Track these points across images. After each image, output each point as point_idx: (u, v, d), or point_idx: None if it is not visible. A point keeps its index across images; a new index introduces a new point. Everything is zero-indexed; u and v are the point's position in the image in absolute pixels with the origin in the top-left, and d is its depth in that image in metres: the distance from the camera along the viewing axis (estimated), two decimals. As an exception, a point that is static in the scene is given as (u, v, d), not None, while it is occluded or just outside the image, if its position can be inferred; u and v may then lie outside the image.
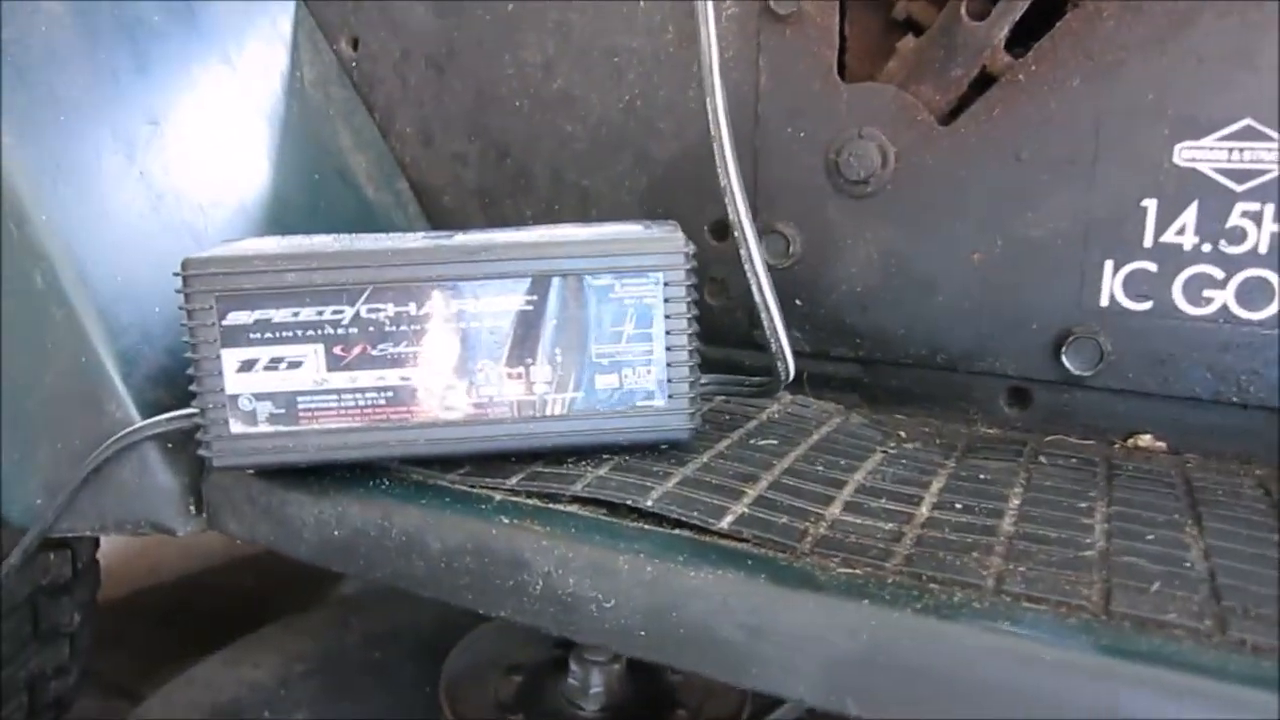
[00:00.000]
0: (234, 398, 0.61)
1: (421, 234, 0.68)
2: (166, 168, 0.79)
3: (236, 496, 0.67)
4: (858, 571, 0.48)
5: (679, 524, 0.55)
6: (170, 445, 0.70)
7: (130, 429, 0.67)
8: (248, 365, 0.60)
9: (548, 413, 0.61)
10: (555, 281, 0.60)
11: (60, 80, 0.74)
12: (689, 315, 0.60)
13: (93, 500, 0.70)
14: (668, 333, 0.60)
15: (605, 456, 0.63)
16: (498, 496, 0.59)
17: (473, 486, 0.61)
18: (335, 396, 0.61)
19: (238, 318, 0.60)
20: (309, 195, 0.90)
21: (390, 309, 0.60)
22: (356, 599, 1.17)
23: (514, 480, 0.60)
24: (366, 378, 0.61)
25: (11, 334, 0.70)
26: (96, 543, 1.00)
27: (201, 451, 0.62)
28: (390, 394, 0.61)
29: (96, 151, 0.74)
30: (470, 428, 0.61)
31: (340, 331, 0.60)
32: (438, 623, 1.07)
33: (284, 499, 0.64)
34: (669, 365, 0.60)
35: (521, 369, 0.61)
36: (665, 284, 0.60)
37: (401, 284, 0.59)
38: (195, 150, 0.81)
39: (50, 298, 0.69)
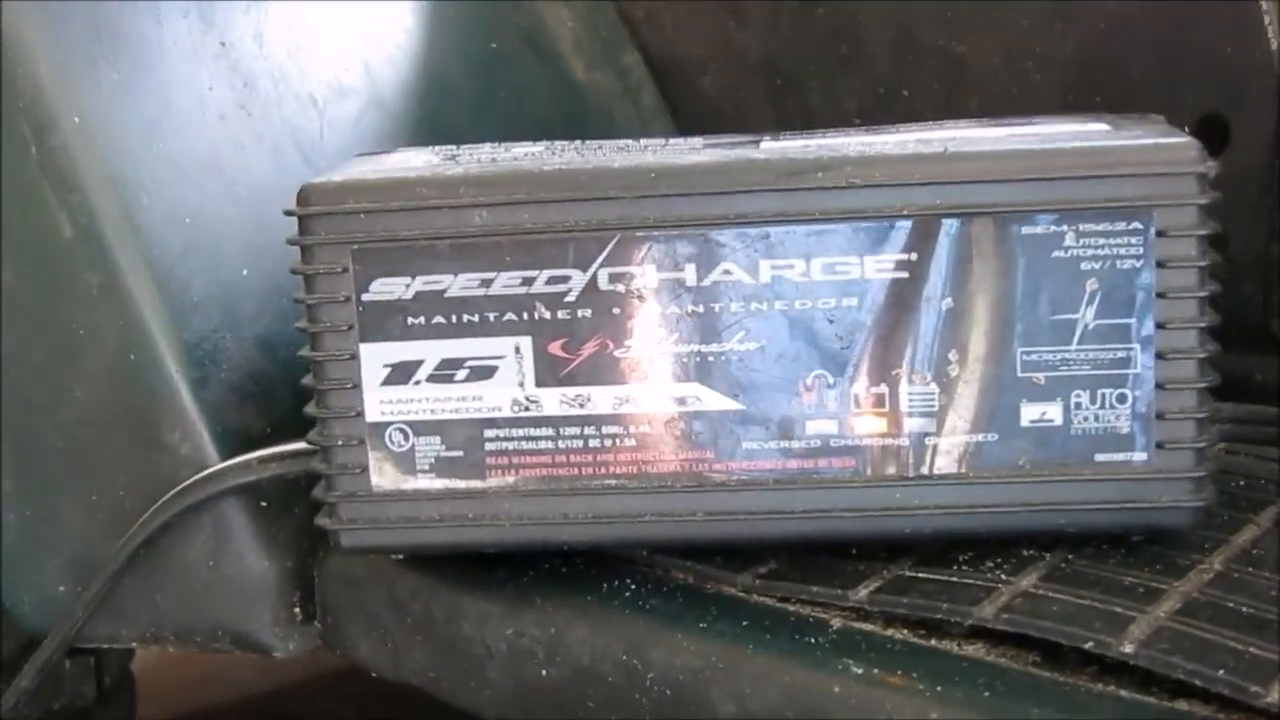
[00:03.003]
0: (378, 428, 0.60)
1: (699, 140, 0.65)
2: (260, 35, 0.79)
3: (373, 599, 0.66)
4: None
5: (1184, 690, 0.50)
6: (265, 505, 0.70)
7: (202, 475, 0.68)
8: (403, 373, 0.59)
9: (927, 469, 0.58)
10: (950, 228, 0.56)
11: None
12: (1201, 294, 0.56)
13: (143, 592, 0.70)
14: (1160, 326, 0.56)
15: (1029, 553, 0.59)
16: (836, 623, 0.57)
17: (789, 600, 0.58)
18: (550, 431, 0.59)
19: (388, 288, 0.59)
20: (482, 77, 0.90)
21: (650, 275, 0.58)
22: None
23: (864, 592, 0.58)
24: (604, 399, 0.59)
25: (22, 317, 0.71)
26: (131, 649, 1.02)
27: (322, 520, 0.62)
28: (644, 429, 0.59)
29: (155, 10, 0.75)
30: (785, 493, 0.59)
31: (562, 315, 0.59)
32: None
33: (455, 608, 0.63)
34: (1160, 388, 0.57)
35: (883, 388, 0.58)
36: (1158, 233, 0.55)
37: (671, 230, 0.57)
38: (305, 6, 0.82)
39: (82, 254, 0.70)
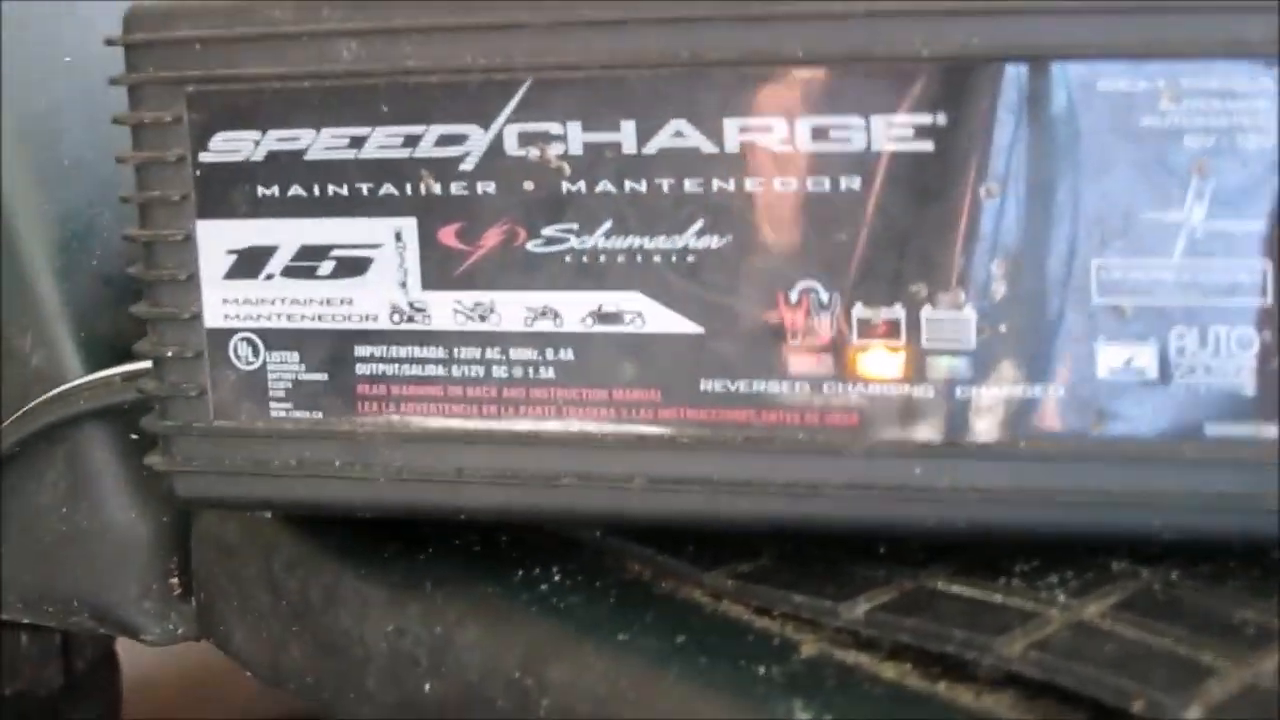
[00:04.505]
0: (220, 337, 0.61)
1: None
2: None
3: (247, 572, 0.68)
4: None
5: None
6: (136, 438, 0.70)
7: (53, 393, 0.70)
8: (251, 262, 0.60)
9: (961, 434, 0.57)
10: (992, 80, 0.54)
11: None
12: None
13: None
14: None
15: (1120, 565, 0.59)
16: (809, 649, 0.56)
17: (768, 613, 0.58)
18: (442, 352, 0.60)
19: (232, 146, 0.59)
20: None
21: (574, 137, 0.57)
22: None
23: (862, 608, 0.57)
24: (513, 311, 0.59)
25: None
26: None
27: (153, 459, 0.63)
28: (567, 356, 0.59)
29: None
30: (759, 458, 0.58)
31: (457, 190, 0.58)
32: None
33: (333, 591, 0.64)
34: None
35: (898, 311, 0.56)
36: None
37: (602, 73, 0.56)
38: None
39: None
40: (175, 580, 0.70)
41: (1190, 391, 0.55)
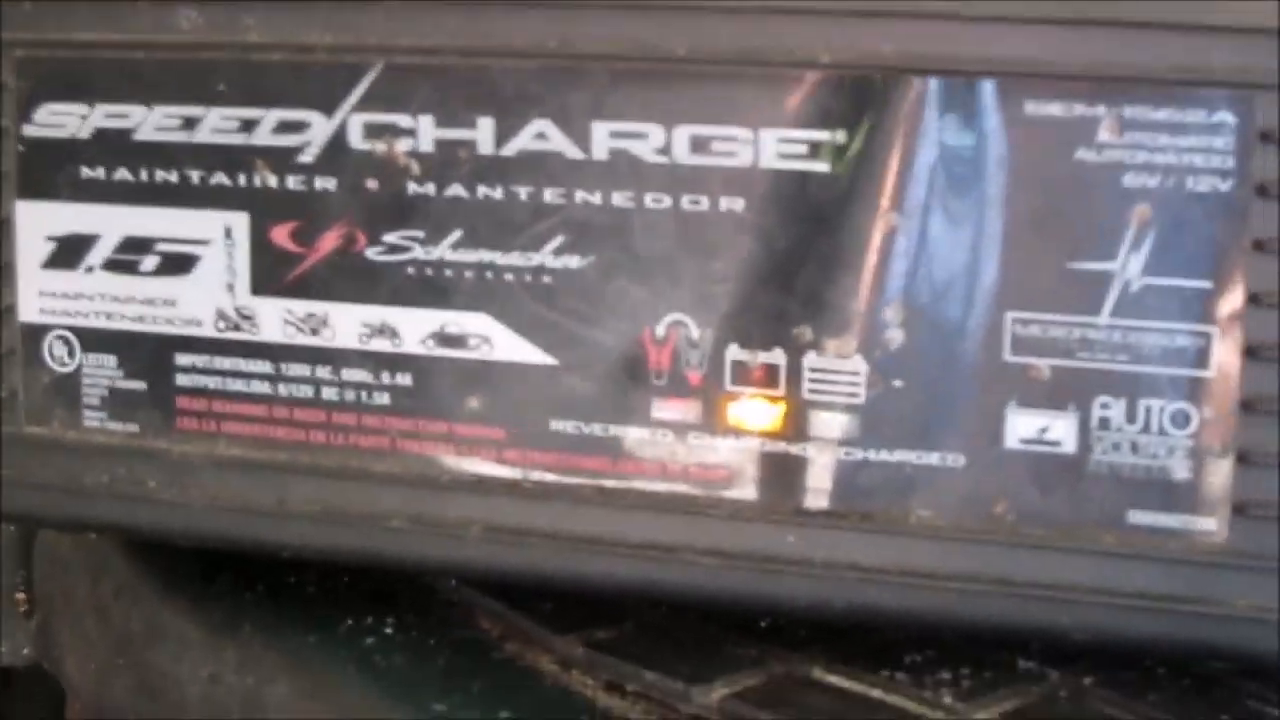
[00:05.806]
0: (35, 334, 0.56)
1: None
2: None
3: (79, 594, 0.64)
4: None
5: None
6: None
7: None
8: (72, 252, 0.55)
9: (842, 503, 0.51)
10: (900, 95, 0.49)
11: None
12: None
13: None
14: (1255, 299, 0.48)
15: (1027, 666, 0.54)
16: None
17: (619, 690, 0.52)
18: (268, 366, 0.55)
19: (58, 120, 0.55)
20: None
21: (425, 131, 0.52)
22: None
23: (717, 694, 0.51)
24: (348, 326, 0.53)
25: None
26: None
27: None
28: (404, 382, 0.53)
29: None
30: (612, 513, 0.52)
31: (294, 185, 0.53)
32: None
33: (154, 625, 0.59)
34: (1247, 409, 0.48)
35: (778, 355, 0.51)
36: (1261, 136, 0.48)
37: (459, 61, 0.51)
38: None
39: None
40: (22, 595, 0.66)
41: (1113, 472, 0.49)
